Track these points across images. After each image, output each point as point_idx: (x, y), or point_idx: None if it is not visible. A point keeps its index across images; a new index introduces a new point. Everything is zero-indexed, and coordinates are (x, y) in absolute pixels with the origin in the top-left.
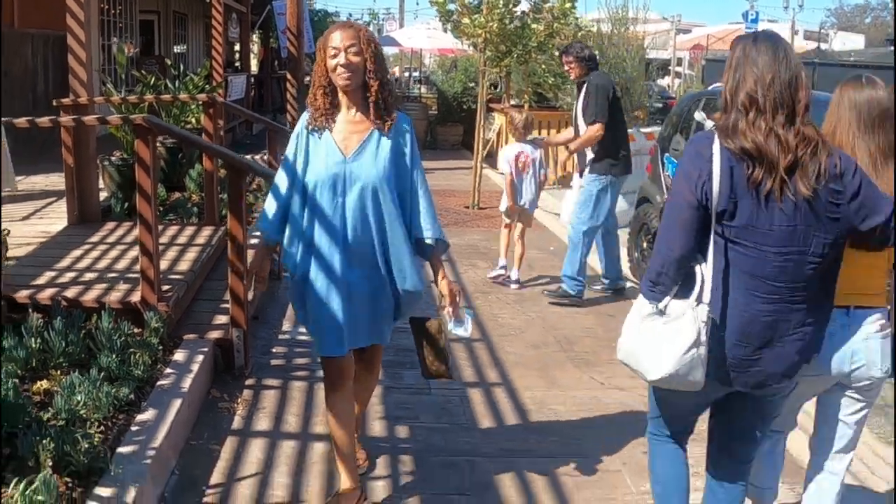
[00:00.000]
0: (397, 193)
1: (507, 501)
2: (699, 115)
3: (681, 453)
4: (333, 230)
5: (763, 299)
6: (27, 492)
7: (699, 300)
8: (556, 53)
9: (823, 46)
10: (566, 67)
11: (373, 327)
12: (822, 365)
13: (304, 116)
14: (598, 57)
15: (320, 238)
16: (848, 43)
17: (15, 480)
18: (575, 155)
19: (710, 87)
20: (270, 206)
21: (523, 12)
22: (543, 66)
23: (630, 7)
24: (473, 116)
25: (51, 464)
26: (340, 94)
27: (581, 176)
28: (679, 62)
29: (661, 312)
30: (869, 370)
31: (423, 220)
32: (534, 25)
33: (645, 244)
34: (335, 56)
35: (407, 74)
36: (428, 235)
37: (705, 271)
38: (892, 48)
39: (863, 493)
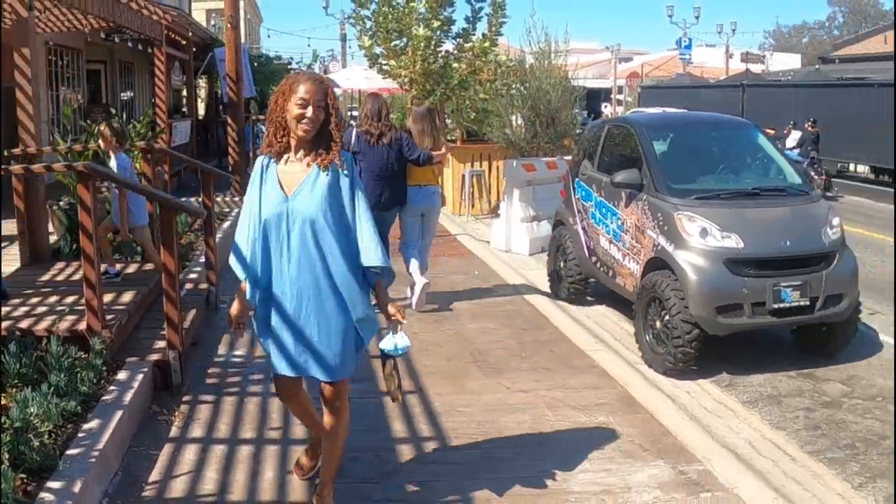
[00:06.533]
0: (342, 226)
1: (412, 484)
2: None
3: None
4: (281, 264)
5: (377, 180)
6: None
7: None
8: (479, 89)
9: (758, 69)
10: None
11: (329, 359)
12: (413, 206)
13: (261, 160)
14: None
15: (273, 272)
16: (782, 64)
17: None
18: None
19: (629, 112)
20: (241, 242)
21: (447, 51)
22: (467, 102)
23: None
24: None
25: (7, 457)
26: (291, 137)
27: None
28: (620, 90)
29: None
30: (430, 208)
31: (366, 249)
32: (455, 64)
33: (562, 263)
34: (302, 107)
35: (349, 114)
36: (372, 263)
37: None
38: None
39: None
